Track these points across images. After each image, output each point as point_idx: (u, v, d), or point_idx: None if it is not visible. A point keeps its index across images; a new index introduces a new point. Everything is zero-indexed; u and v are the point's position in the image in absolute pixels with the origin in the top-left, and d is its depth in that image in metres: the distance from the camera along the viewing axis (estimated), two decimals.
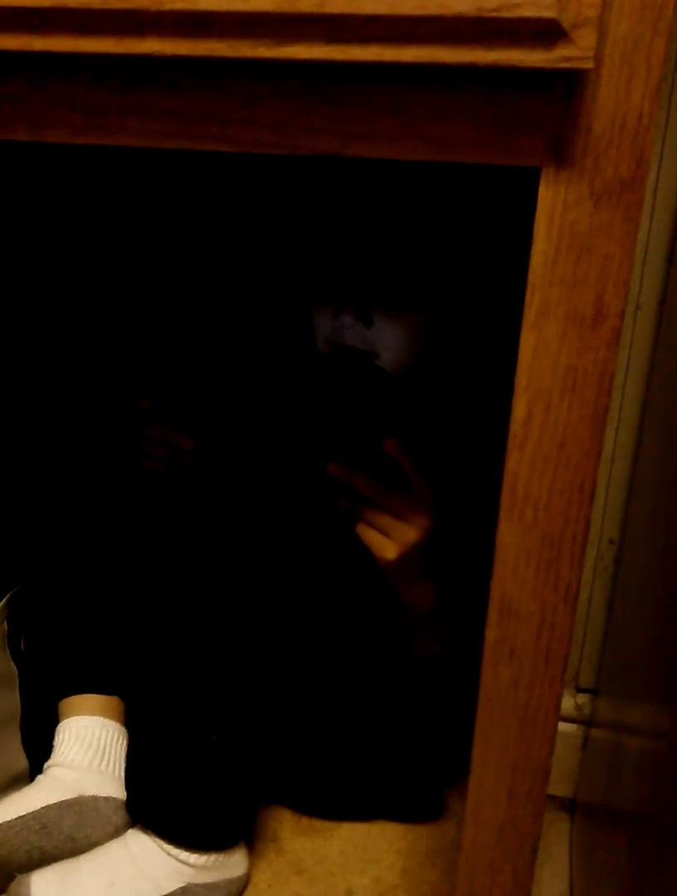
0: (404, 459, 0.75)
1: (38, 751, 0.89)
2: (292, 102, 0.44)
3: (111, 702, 0.88)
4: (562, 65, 0.39)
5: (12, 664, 0.91)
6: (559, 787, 1.01)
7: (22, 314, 1.08)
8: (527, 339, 0.45)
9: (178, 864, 0.78)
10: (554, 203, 0.43)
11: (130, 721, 0.88)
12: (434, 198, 0.80)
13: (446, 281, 0.82)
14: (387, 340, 0.81)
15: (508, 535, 0.49)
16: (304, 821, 0.93)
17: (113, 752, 0.86)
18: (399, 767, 0.90)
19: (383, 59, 0.40)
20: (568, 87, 0.41)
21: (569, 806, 1.01)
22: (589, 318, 0.44)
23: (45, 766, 0.85)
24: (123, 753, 0.86)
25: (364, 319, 0.80)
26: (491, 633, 0.51)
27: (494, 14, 0.38)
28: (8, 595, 0.90)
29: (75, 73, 0.46)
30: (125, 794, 0.83)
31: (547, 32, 0.39)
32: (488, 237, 0.83)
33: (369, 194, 0.80)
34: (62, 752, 0.85)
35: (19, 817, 0.79)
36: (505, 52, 0.39)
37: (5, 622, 0.89)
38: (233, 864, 0.82)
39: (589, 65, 0.39)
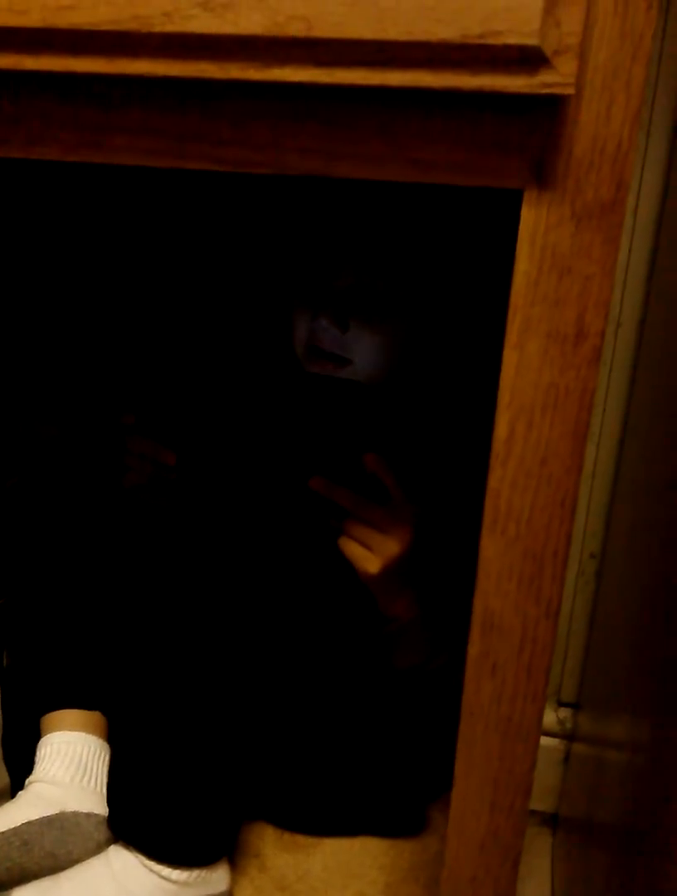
0: (384, 473, 0.76)
1: (20, 766, 0.88)
2: (280, 123, 0.45)
3: (93, 717, 0.88)
4: (544, 90, 0.40)
5: None
6: (541, 801, 1.01)
7: (7, 329, 1.08)
8: (510, 357, 0.46)
9: (160, 881, 0.77)
10: (537, 224, 0.44)
11: (113, 737, 0.88)
12: (423, 212, 0.81)
13: (428, 294, 0.83)
14: (362, 347, 0.82)
15: (491, 550, 0.50)
16: (287, 836, 0.93)
17: (95, 767, 0.85)
18: (381, 782, 0.90)
19: (370, 83, 0.41)
20: (550, 112, 0.42)
21: (551, 820, 1.02)
22: (570, 337, 0.45)
23: (27, 782, 0.84)
24: (105, 769, 0.86)
25: (340, 323, 0.81)
26: (473, 648, 0.52)
27: (479, 40, 0.39)
28: None
29: (67, 92, 0.46)
30: (107, 810, 0.82)
31: (529, 59, 0.40)
32: (472, 254, 0.84)
33: (360, 203, 0.81)
34: (44, 768, 0.84)
35: (0, 833, 0.79)
36: (488, 78, 0.40)
37: None
38: (215, 880, 0.81)
39: (571, 91, 0.40)
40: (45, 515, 0.96)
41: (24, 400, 1.11)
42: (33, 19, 0.43)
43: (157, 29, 0.42)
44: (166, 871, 0.77)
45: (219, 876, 0.82)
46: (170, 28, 0.42)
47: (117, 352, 1.11)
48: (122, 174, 0.96)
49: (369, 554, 0.76)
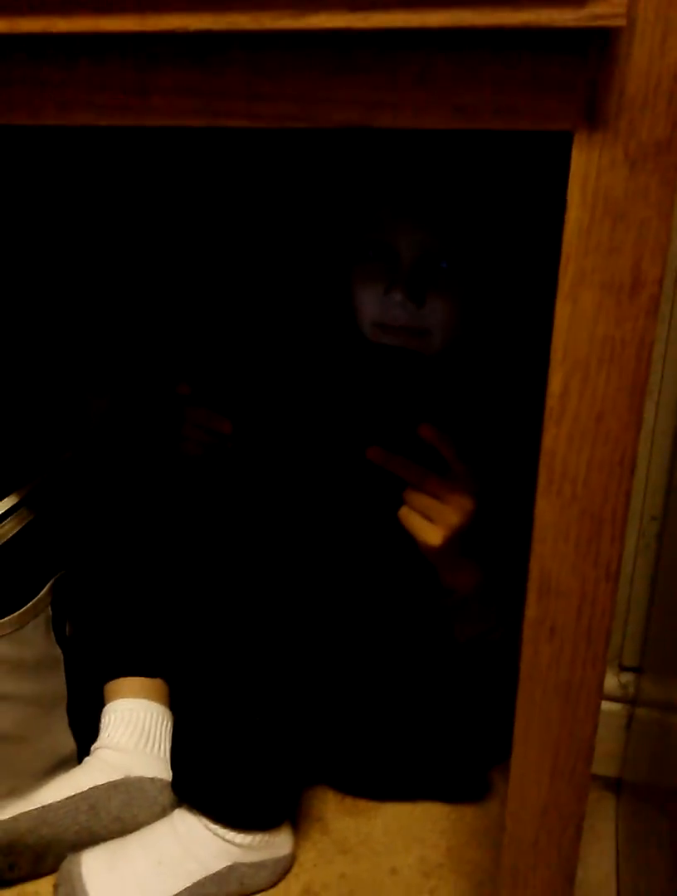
0: (441, 444, 0.74)
1: (85, 733, 0.90)
2: (317, 74, 0.43)
3: (155, 684, 0.89)
4: (594, 23, 0.38)
5: (58, 648, 0.92)
6: (604, 766, 1.00)
7: (62, 299, 1.09)
8: (563, 310, 0.44)
9: (225, 844, 0.78)
10: (588, 168, 0.41)
11: (175, 702, 0.89)
12: (475, 171, 0.78)
13: (488, 253, 0.80)
14: (438, 318, 0.79)
15: (547, 512, 0.48)
16: (348, 801, 0.93)
17: (157, 733, 0.87)
18: (443, 748, 0.89)
19: (408, 25, 0.39)
20: (600, 47, 0.40)
21: (615, 785, 1.00)
22: (626, 287, 0.43)
23: (92, 748, 0.86)
24: (168, 735, 0.87)
25: (416, 298, 0.78)
26: (530, 612, 0.51)
27: None
28: (53, 579, 0.91)
29: (98, 54, 0.45)
30: (170, 774, 0.83)
31: None
32: (532, 208, 0.81)
33: (411, 171, 0.78)
34: (108, 735, 0.86)
35: (68, 798, 0.81)
36: (533, 13, 0.38)
37: (50, 607, 0.91)
38: (278, 843, 0.82)
39: (622, 23, 0.38)
40: (104, 486, 0.97)
41: (78, 371, 1.12)
42: None
43: None
44: (230, 834, 0.78)
45: (282, 839, 0.83)
46: None
47: (171, 321, 1.10)
48: (170, 137, 0.95)
49: (431, 526, 0.74)
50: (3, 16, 0.43)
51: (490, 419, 0.83)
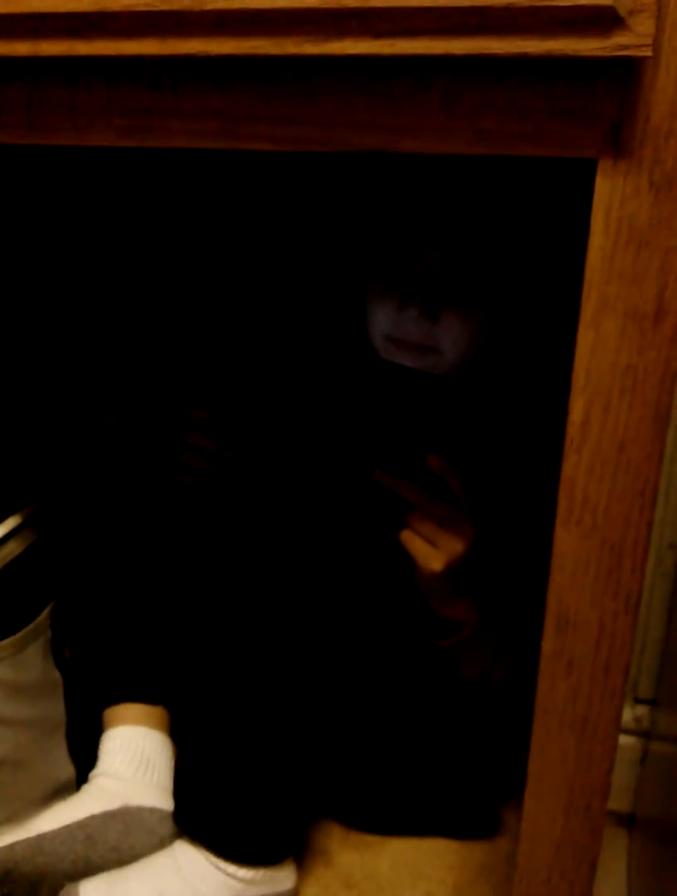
0: (449, 475, 0.73)
1: (85, 759, 0.89)
2: (339, 99, 0.43)
3: (155, 711, 0.87)
4: (619, 53, 0.38)
5: (57, 672, 0.91)
6: (617, 801, 0.98)
7: (70, 316, 1.09)
8: (585, 337, 0.43)
9: (226, 878, 0.77)
10: (612, 195, 0.41)
11: (179, 733, 0.88)
12: (501, 188, 0.77)
13: (511, 274, 0.79)
14: (452, 337, 0.78)
15: (566, 543, 0.47)
16: (354, 835, 0.91)
17: (157, 762, 0.85)
18: (452, 783, 0.88)
19: (432, 52, 0.39)
20: (625, 75, 0.40)
21: (628, 820, 0.99)
22: (649, 315, 0.42)
23: (90, 775, 0.85)
24: (167, 764, 0.86)
25: (431, 314, 0.77)
26: (547, 644, 0.50)
27: (547, 2, 0.37)
28: (52, 602, 0.90)
29: (119, 76, 0.45)
30: (169, 804, 0.82)
31: (602, 20, 0.37)
32: (552, 231, 0.80)
33: (436, 183, 0.77)
34: (107, 762, 0.84)
35: (65, 827, 0.79)
36: (558, 42, 0.38)
37: (49, 630, 0.89)
38: (281, 878, 0.81)
39: (648, 52, 0.38)
40: (107, 508, 0.96)
41: (83, 389, 1.11)
42: (85, 3, 0.42)
43: (210, 6, 0.41)
44: (232, 868, 0.77)
45: (285, 874, 0.81)
46: (223, 5, 0.41)
47: (181, 332, 1.10)
48: (182, 155, 0.95)
49: (433, 551, 0.73)
50: (25, 39, 0.43)
51: (498, 445, 0.83)
